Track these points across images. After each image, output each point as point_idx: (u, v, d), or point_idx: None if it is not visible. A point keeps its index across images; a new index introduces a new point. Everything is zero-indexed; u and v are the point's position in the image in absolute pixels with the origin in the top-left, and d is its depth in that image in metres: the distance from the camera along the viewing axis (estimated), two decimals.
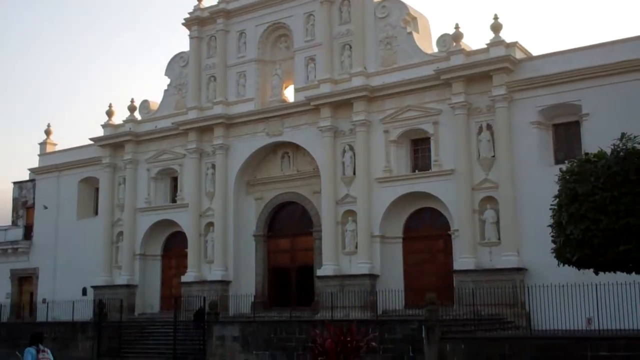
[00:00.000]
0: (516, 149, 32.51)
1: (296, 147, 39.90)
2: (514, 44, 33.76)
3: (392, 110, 36.03)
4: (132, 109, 45.88)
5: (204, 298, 36.23)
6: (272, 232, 41.28)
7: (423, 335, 25.81)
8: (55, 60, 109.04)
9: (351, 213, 36.44)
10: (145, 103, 46.07)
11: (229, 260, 40.43)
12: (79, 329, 39.18)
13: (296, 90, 40.13)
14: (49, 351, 15.38)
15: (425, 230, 35.83)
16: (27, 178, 53.75)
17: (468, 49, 35.02)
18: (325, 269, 36.16)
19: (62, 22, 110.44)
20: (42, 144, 52.19)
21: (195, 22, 43.60)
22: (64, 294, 44.64)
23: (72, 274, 46.59)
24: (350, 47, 37.79)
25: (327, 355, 14.13)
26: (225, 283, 39.79)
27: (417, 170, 35.91)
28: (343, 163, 37.04)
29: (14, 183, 54.11)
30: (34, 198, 51.72)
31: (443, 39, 35.51)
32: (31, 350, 15.07)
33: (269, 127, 40.01)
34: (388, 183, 35.77)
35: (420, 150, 36.41)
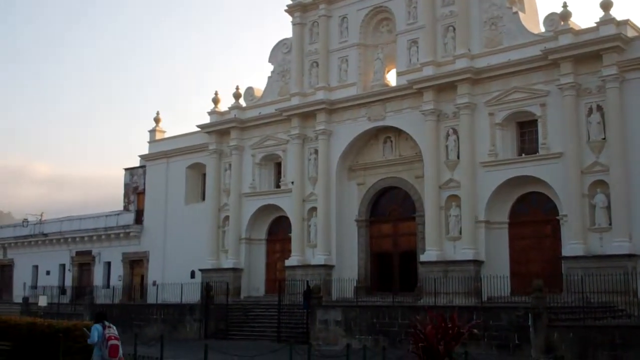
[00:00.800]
0: (628, 131, 31.08)
1: (398, 132, 39.53)
2: (625, 22, 32.21)
3: (498, 92, 35.11)
4: (237, 96, 46.69)
5: (308, 282, 36.53)
6: (375, 217, 41.13)
7: (529, 323, 25.11)
8: (163, 51, 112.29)
9: (455, 198, 35.82)
10: (249, 90, 46.77)
11: (331, 245, 40.59)
12: (187, 311, 40.26)
13: (398, 74, 39.71)
14: (113, 327, 16.15)
15: (532, 215, 34.80)
16: (137, 164, 55.67)
17: (576, 28, 33.70)
18: (429, 254, 35.75)
19: (169, 14, 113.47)
20: (152, 132, 53.90)
21: (298, 8, 43.81)
22: (173, 276, 46.06)
23: (180, 258, 48.06)
24: (454, 29, 37.03)
25: (428, 341, 13.88)
26: (328, 267, 39.99)
27: (523, 154, 34.90)
28: (446, 147, 36.43)
29: (126, 169, 56.15)
30: (144, 184, 53.54)
31: (550, 18, 34.24)
32: (98, 327, 15.86)
33: (371, 111, 39.80)
34: (493, 167, 34.93)
35: (526, 133, 35.36)
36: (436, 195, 36.22)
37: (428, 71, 37.02)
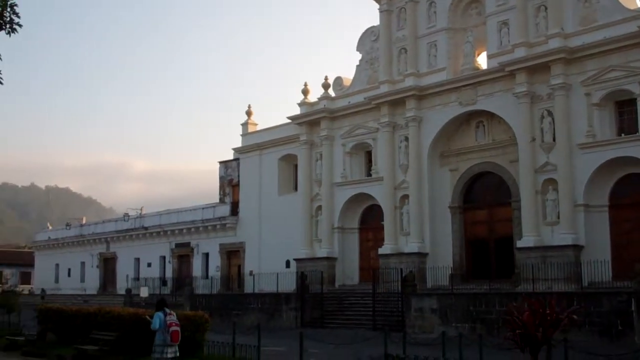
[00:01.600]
0: None
1: (491, 116, 38.76)
2: None
3: (594, 72, 33.88)
4: (326, 86, 46.88)
5: (401, 270, 36.38)
6: (468, 204, 40.52)
7: (633, 308, 24.23)
8: (253, 46, 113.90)
9: (552, 182, 34.85)
10: (338, 80, 46.86)
11: (425, 233, 40.25)
12: (283, 299, 40.85)
13: (489, 57, 38.92)
14: (174, 313, 16.83)
15: (635, 197, 33.44)
16: (231, 157, 56.76)
17: None
18: (526, 240, 34.94)
19: (257, 9, 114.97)
20: (244, 125, 54.81)
21: None
22: (269, 266, 46.83)
23: (275, 247, 48.77)
24: (546, 8, 35.92)
25: (526, 328, 13.56)
26: (422, 255, 39.68)
27: (623, 134, 33.59)
28: (541, 129, 35.44)
29: (220, 162, 57.35)
30: (238, 176, 54.54)
31: None
32: (159, 315, 16.51)
33: (462, 96, 39.17)
34: (591, 148, 33.78)
35: (625, 112, 33.98)
36: (532, 179, 35.34)
37: (520, 52, 36.10)
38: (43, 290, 73.96)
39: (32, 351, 23.21)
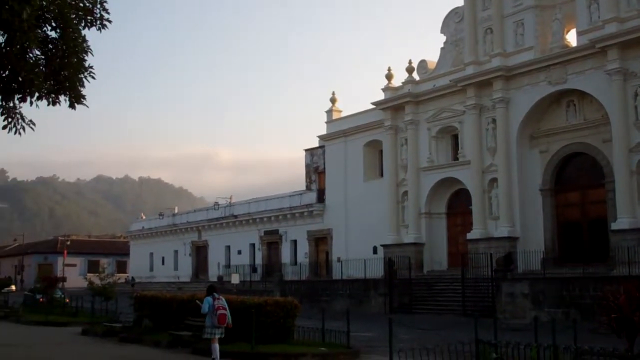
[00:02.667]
0: None
1: (582, 94, 37.53)
2: None
3: None
4: (410, 70, 46.45)
5: (491, 255, 35.80)
6: (560, 186, 39.43)
7: None
8: (336, 32, 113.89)
9: None
10: (422, 63, 46.34)
11: (515, 216, 39.43)
12: (371, 285, 40.90)
13: (579, 34, 37.67)
14: (222, 298, 17.90)
15: None
16: (317, 145, 57.07)
17: None
18: (621, 222, 33.75)
19: None
20: (329, 112, 54.98)
21: None
22: (356, 252, 46.94)
23: (362, 234, 48.81)
24: None
25: (622, 313, 13.11)
26: (512, 239, 38.88)
27: None
28: (635, 107, 34.10)
29: (306, 150, 57.77)
30: (324, 163, 54.79)
31: None
32: (208, 299, 17.62)
33: (551, 75, 38.06)
34: None
35: None
36: (626, 159, 34.07)
37: (611, 28, 34.76)
38: (132, 278, 76.50)
39: (128, 337, 24.02)
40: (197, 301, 19.52)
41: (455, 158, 43.75)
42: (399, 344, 16.88)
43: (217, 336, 17.59)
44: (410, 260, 41.29)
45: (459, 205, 44.25)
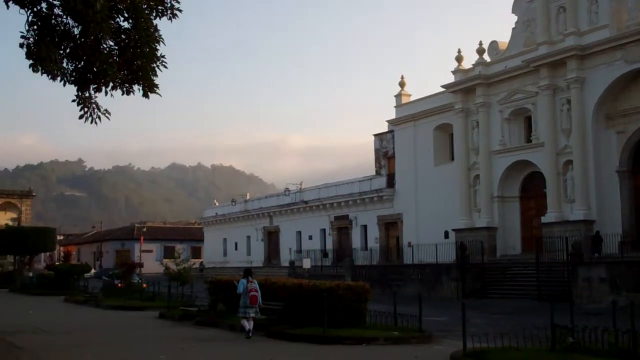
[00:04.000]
0: None
1: None
2: None
3: None
4: (480, 51, 45.65)
5: (566, 238, 35.03)
6: (638, 167, 38.19)
7: None
8: (401, 15, 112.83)
9: None
10: (493, 44, 45.48)
11: (590, 199, 38.42)
12: (443, 270, 40.60)
13: None
14: (255, 282, 20.49)
15: None
16: (385, 130, 56.80)
17: None
18: None
19: None
20: (398, 96, 54.58)
21: None
22: (426, 237, 46.62)
23: (433, 218, 48.42)
24: None
25: None
26: (588, 222, 37.92)
27: None
28: None
29: (375, 135, 57.58)
30: (393, 148, 54.51)
31: None
32: (243, 281, 20.27)
33: (627, 53, 36.82)
34: None
35: None
36: None
37: None
38: (201, 264, 77.94)
39: (204, 321, 24.50)
40: (234, 282, 21.60)
41: (529, 140, 42.87)
42: (472, 328, 16.75)
43: (250, 315, 19.81)
44: (482, 244, 40.77)
45: (532, 188, 43.39)
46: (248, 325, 19.79)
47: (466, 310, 15.90)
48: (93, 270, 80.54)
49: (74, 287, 48.50)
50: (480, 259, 39.67)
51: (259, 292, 20.03)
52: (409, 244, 48.99)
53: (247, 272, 21.02)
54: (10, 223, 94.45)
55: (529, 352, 14.28)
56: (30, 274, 58.87)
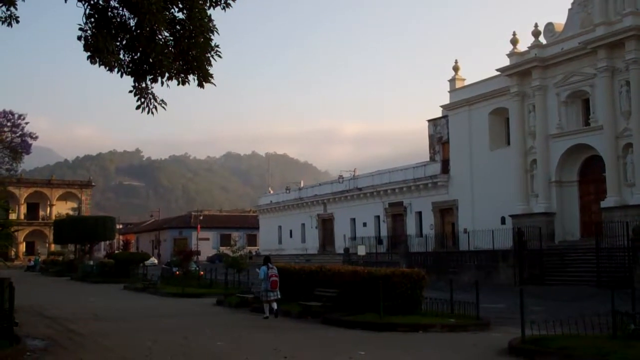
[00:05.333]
0: None
1: None
2: None
3: None
4: (536, 34, 44.77)
5: (627, 223, 34.23)
6: None
7: None
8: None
9: None
10: (549, 26, 44.56)
11: None
12: (500, 257, 40.12)
13: None
14: (275, 268, 22.72)
15: None
16: (439, 115, 56.30)
17: None
18: None
19: None
20: (452, 81, 53.99)
21: None
22: (482, 223, 46.11)
23: (489, 204, 47.87)
24: None
25: None
26: None
27: None
28: None
29: (429, 121, 57.12)
30: (448, 133, 54.00)
31: None
32: (263, 268, 22.47)
33: None
34: None
35: None
36: None
37: None
38: (250, 252, 78.78)
39: (260, 307, 24.71)
40: (257, 269, 24.39)
41: (587, 123, 41.94)
42: (531, 315, 16.55)
43: (272, 298, 22.10)
44: (540, 230, 40.13)
45: (591, 172, 42.47)
46: (269, 307, 22.17)
47: (524, 297, 15.70)
48: (153, 259, 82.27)
49: (133, 274, 49.56)
50: (538, 245, 39.08)
51: (278, 277, 22.37)
52: (465, 230, 48.58)
53: (267, 260, 23.33)
54: (71, 212, 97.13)
55: (589, 340, 14.03)
56: (91, 262, 60.28)
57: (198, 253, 66.97)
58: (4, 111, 40.52)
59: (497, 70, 46.98)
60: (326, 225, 71.95)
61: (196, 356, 14.53)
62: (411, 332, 18.03)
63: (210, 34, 12.56)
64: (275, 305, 22.23)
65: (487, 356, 14.53)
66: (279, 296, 22.39)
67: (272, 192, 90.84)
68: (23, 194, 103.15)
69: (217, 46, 12.73)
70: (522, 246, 39.06)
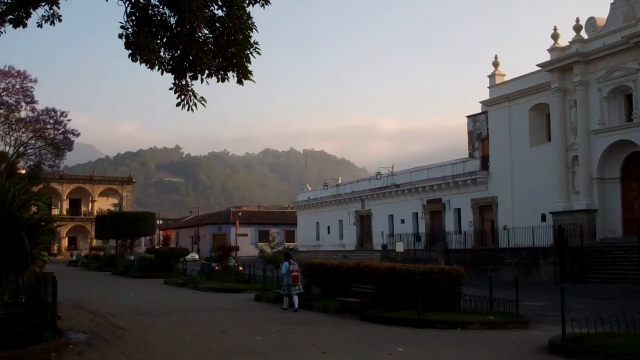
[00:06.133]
0: None
1: None
2: None
3: None
4: (577, 28, 44.16)
5: None
6: None
7: None
8: None
9: None
10: (591, 20, 43.90)
11: None
12: (540, 254, 39.69)
13: None
14: (295, 263, 24.42)
15: None
16: (479, 111, 55.83)
17: None
18: None
19: None
20: (491, 76, 53.50)
21: None
22: (522, 220, 45.67)
23: (529, 201, 47.39)
24: None
25: None
26: None
27: None
28: None
29: (468, 117, 56.66)
30: (487, 129, 53.53)
31: None
32: (285, 264, 24.11)
33: None
34: None
35: None
36: None
37: None
38: (285, 248, 78.90)
39: (298, 303, 24.82)
40: (280, 264, 26.76)
41: (630, 119, 41.23)
42: (571, 313, 16.37)
43: (293, 292, 23.45)
44: (581, 227, 39.60)
45: (634, 169, 41.74)
46: (290, 300, 23.56)
47: (565, 295, 15.53)
48: (193, 254, 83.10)
49: (174, 269, 50.08)
50: (579, 243, 38.59)
51: (300, 272, 24.09)
52: (504, 227, 48.15)
53: (288, 256, 25.10)
54: (112, 208, 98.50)
55: (632, 338, 13.81)
56: (132, 257, 61.06)
57: (237, 249, 67.51)
58: (47, 109, 41.42)
59: (538, 65, 46.46)
60: (364, 221, 71.87)
61: (235, 351, 14.65)
62: (450, 329, 17.94)
63: (249, 31, 12.67)
64: (296, 299, 23.42)
65: (526, 354, 14.41)
66: (301, 290, 23.95)
67: (309, 188, 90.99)
68: (65, 190, 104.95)
69: (256, 43, 12.83)
70: (563, 243, 38.60)
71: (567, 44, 44.67)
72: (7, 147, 40.81)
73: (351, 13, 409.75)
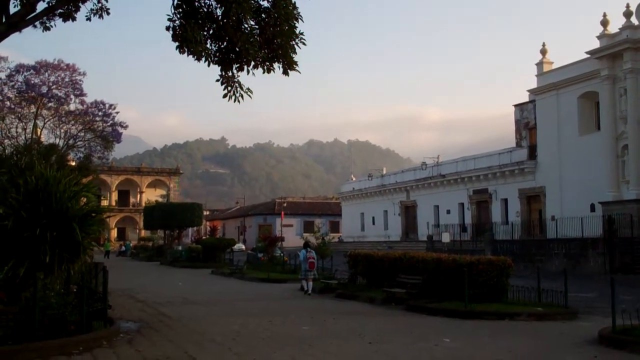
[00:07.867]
0: None
1: None
2: None
3: None
4: (628, 14, 43.16)
5: None
6: None
7: None
8: None
9: None
10: None
11: None
12: (589, 245, 39.07)
13: None
14: (313, 251, 27.27)
15: None
16: (526, 100, 55.06)
17: None
18: None
19: None
20: (539, 64, 52.67)
21: None
22: (571, 210, 44.98)
23: (577, 191, 46.62)
24: None
25: None
26: None
27: None
28: None
29: (515, 106, 55.91)
30: (535, 118, 52.77)
31: None
32: (303, 252, 26.93)
33: None
34: None
35: None
36: None
37: None
38: (305, 238, 78.92)
39: (344, 293, 24.90)
40: (298, 252, 29.37)
41: None
42: (621, 304, 16.08)
43: (310, 277, 26.04)
44: (632, 217, 38.83)
45: None
46: (307, 285, 25.93)
47: (615, 286, 15.28)
48: (240, 245, 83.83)
49: (220, 260, 50.60)
50: (630, 233, 37.86)
51: (316, 259, 27.06)
52: (552, 218, 47.48)
53: (306, 244, 27.78)
54: (160, 199, 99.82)
55: None
56: (179, 248, 61.86)
57: (282, 239, 67.87)
58: (96, 101, 42.06)
59: (587, 52, 45.55)
60: (409, 212, 71.57)
61: (282, 340, 14.76)
62: (497, 320, 17.80)
63: (295, 22, 12.68)
64: (310, 284, 26.07)
65: (575, 345, 14.22)
66: (317, 276, 27.09)
67: (354, 179, 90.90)
68: (114, 181, 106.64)
69: (302, 34, 12.86)
70: (613, 234, 37.93)
71: (617, 30, 43.70)
72: (58, 140, 41.59)
73: (395, 1, 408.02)
